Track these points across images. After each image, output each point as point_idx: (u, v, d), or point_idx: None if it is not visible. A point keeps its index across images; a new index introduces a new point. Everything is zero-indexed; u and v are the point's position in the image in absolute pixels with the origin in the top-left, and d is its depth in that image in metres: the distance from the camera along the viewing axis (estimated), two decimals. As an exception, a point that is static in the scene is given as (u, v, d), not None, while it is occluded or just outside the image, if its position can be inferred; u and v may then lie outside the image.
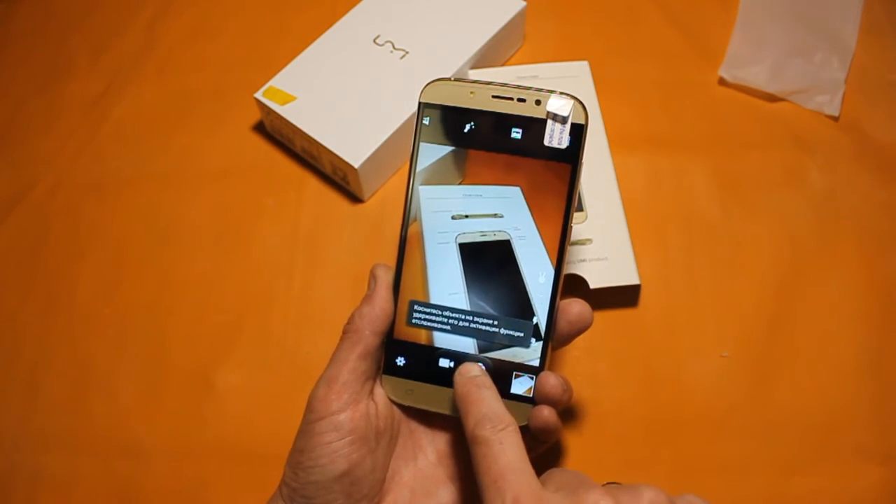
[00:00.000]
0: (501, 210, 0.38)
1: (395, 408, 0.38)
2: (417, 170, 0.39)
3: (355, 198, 0.55)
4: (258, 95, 0.55)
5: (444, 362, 0.38)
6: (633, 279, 0.48)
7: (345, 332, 0.37)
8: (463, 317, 0.38)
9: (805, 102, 0.58)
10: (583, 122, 0.37)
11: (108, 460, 0.46)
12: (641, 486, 0.30)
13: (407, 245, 0.38)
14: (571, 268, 0.48)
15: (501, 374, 0.37)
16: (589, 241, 0.49)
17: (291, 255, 0.53)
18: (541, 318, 0.37)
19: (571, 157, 0.37)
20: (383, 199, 0.55)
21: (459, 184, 0.38)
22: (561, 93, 0.37)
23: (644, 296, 0.50)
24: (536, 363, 0.37)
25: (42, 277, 0.53)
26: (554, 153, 0.37)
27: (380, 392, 0.38)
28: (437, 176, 0.38)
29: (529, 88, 0.38)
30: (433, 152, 0.39)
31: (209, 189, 0.56)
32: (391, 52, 0.56)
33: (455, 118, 0.38)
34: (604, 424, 0.46)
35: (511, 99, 0.38)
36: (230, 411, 0.48)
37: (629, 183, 0.53)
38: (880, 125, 0.57)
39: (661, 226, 0.53)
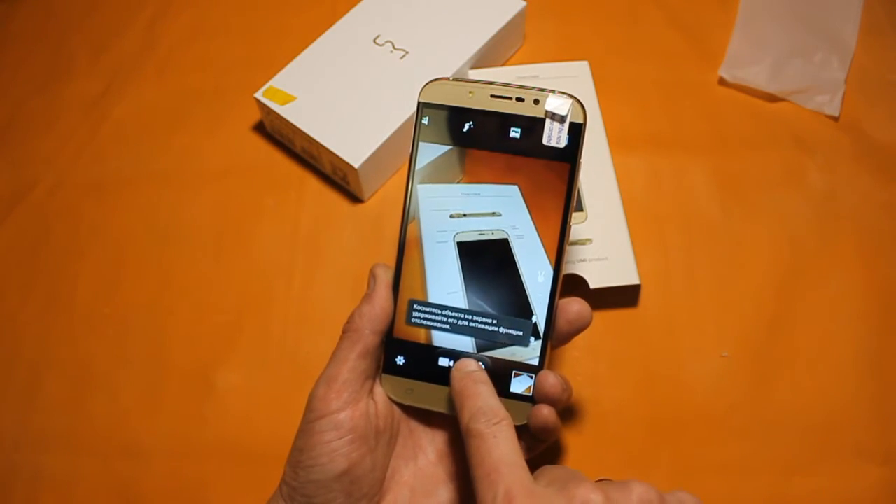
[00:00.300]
0: (500, 209, 0.38)
1: (394, 407, 0.38)
2: (416, 169, 0.39)
3: (355, 198, 0.55)
4: (258, 95, 0.55)
5: (444, 361, 0.38)
6: (633, 279, 0.48)
7: (344, 331, 0.37)
8: (462, 316, 0.38)
9: (805, 102, 0.58)
10: (581, 121, 0.37)
11: (108, 460, 0.46)
12: (632, 481, 0.30)
13: (406, 244, 0.39)
14: (571, 268, 0.48)
15: (501, 373, 0.37)
16: (589, 241, 0.49)
17: (291, 255, 0.53)
18: (540, 317, 0.37)
19: (570, 156, 0.37)
20: (383, 199, 0.55)
21: (458, 183, 0.38)
22: (559, 92, 0.37)
23: (644, 296, 0.50)
24: (536, 362, 0.37)
25: (42, 277, 0.53)
26: (553, 152, 0.37)
27: (379, 391, 0.38)
28: (437, 175, 0.39)
29: (528, 88, 0.38)
30: (432, 152, 0.39)
31: (209, 189, 0.56)
32: (391, 52, 0.56)
33: (454, 118, 0.38)
34: (604, 424, 0.46)
35: (510, 98, 0.38)
36: (230, 411, 0.48)
37: (629, 183, 0.53)
38: (880, 125, 0.57)
39: (661, 226, 0.53)
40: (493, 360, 0.37)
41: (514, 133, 0.38)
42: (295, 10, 0.65)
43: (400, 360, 0.38)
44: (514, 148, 0.38)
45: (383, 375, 0.38)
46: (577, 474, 0.32)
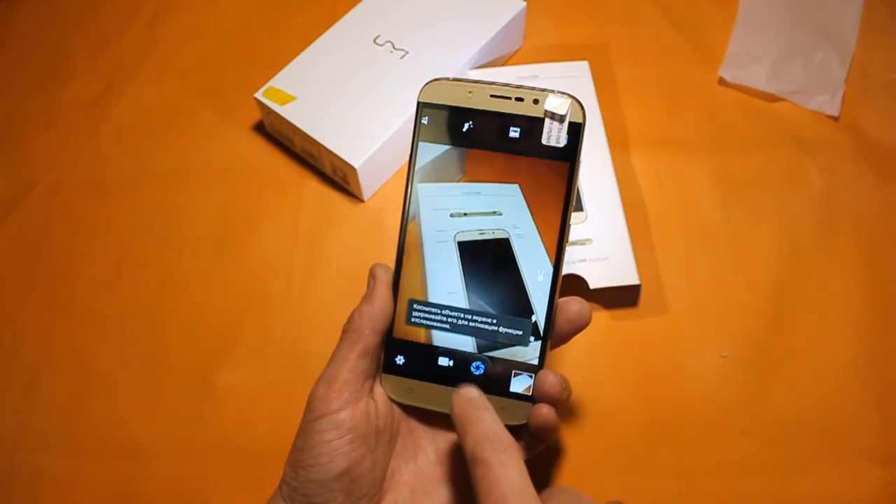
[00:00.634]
0: (500, 208, 0.38)
1: (394, 406, 0.38)
2: (416, 169, 0.39)
3: (355, 198, 0.55)
4: (258, 95, 0.55)
5: (444, 361, 0.38)
6: (633, 279, 0.48)
7: (345, 331, 0.37)
8: (462, 315, 0.38)
9: (805, 102, 0.58)
10: (580, 120, 0.37)
11: (108, 460, 0.46)
12: None
13: (406, 244, 0.39)
14: (571, 268, 0.48)
15: (500, 373, 0.37)
16: (589, 241, 0.49)
17: (291, 255, 0.53)
18: (539, 316, 0.37)
19: (569, 155, 0.37)
20: (383, 199, 0.55)
21: (458, 182, 0.38)
22: (559, 92, 0.37)
23: (644, 296, 0.50)
24: (535, 361, 0.37)
25: (42, 277, 0.53)
26: (552, 152, 0.37)
27: (380, 391, 0.38)
28: (437, 174, 0.39)
29: (528, 88, 0.38)
30: (432, 151, 0.39)
31: (209, 189, 0.56)
32: (391, 52, 0.56)
33: (454, 117, 0.38)
34: (604, 424, 0.46)
35: (509, 98, 0.38)
36: (230, 411, 0.48)
37: (629, 183, 0.53)
38: (880, 125, 0.57)
39: (661, 226, 0.53)
40: (493, 359, 0.37)
41: (514, 133, 0.38)
42: (295, 10, 0.65)
43: (400, 360, 0.38)
44: (513, 147, 0.38)
45: (383, 375, 0.38)
46: (588, 501, 0.31)
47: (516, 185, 0.38)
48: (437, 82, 0.38)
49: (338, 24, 0.58)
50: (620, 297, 0.50)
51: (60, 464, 0.46)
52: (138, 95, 0.61)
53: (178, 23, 0.65)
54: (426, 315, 0.38)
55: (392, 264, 0.39)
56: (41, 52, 0.65)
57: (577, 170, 0.37)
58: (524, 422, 0.37)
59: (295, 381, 0.47)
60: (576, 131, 0.37)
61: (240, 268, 0.53)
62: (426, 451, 0.38)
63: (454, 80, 0.38)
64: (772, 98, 0.58)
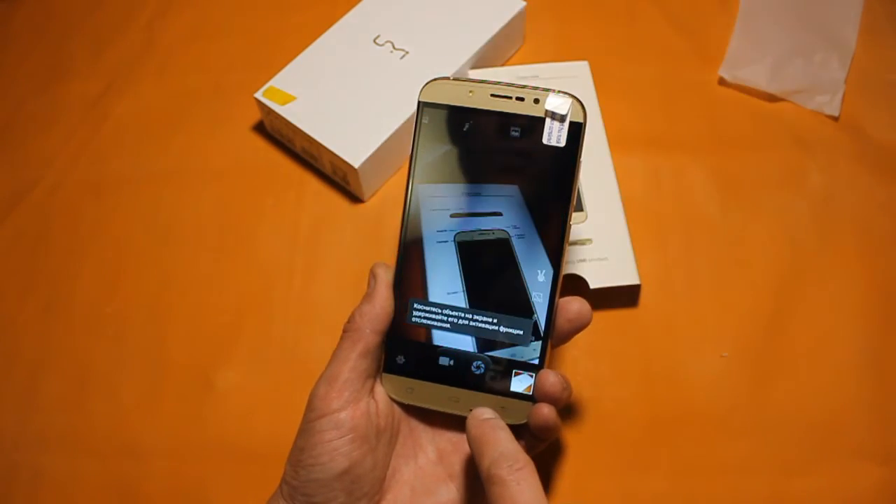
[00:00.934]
0: (500, 208, 0.38)
1: (395, 406, 0.38)
2: (417, 168, 0.39)
3: (355, 198, 0.55)
4: (258, 95, 0.55)
5: (445, 360, 0.38)
6: (633, 279, 0.48)
7: (345, 330, 0.37)
8: (462, 315, 0.38)
9: (805, 102, 0.58)
10: (581, 120, 0.37)
11: (108, 460, 0.46)
12: None
13: (406, 244, 0.39)
14: (571, 268, 0.48)
15: (501, 372, 0.37)
16: (589, 241, 0.49)
17: (291, 255, 0.53)
18: (540, 315, 0.37)
19: (570, 155, 0.37)
20: (383, 199, 0.55)
21: (458, 182, 0.38)
22: (559, 91, 0.37)
23: (644, 296, 0.50)
24: (536, 361, 0.37)
25: (42, 277, 0.53)
26: (552, 151, 0.37)
27: (380, 390, 0.38)
28: (437, 174, 0.39)
29: (528, 87, 0.38)
30: (432, 151, 0.39)
31: (209, 189, 0.56)
32: (391, 52, 0.56)
33: (454, 117, 0.38)
34: (604, 424, 0.46)
35: (510, 98, 0.38)
36: (230, 411, 0.48)
37: (629, 183, 0.53)
38: (880, 125, 0.57)
39: (661, 226, 0.53)
40: (494, 359, 0.37)
41: (515, 132, 0.38)
42: (295, 10, 0.65)
43: (400, 360, 0.38)
44: (514, 147, 0.38)
45: (384, 374, 0.38)
46: None
47: (516, 186, 0.38)
48: (437, 82, 0.38)
49: (338, 24, 0.58)
50: (620, 297, 0.50)
51: (60, 464, 0.46)
52: (138, 95, 0.61)
53: (178, 23, 0.65)
54: (427, 315, 0.38)
55: (392, 264, 0.39)
56: (41, 52, 0.65)
57: (578, 170, 0.37)
58: (525, 421, 0.37)
59: (295, 381, 0.47)
60: (576, 131, 0.37)
61: (240, 268, 0.53)
62: (427, 451, 0.38)
63: (454, 79, 0.38)
64: (772, 98, 0.58)
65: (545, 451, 0.40)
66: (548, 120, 0.37)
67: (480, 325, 0.38)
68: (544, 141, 0.37)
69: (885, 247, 0.52)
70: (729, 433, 0.46)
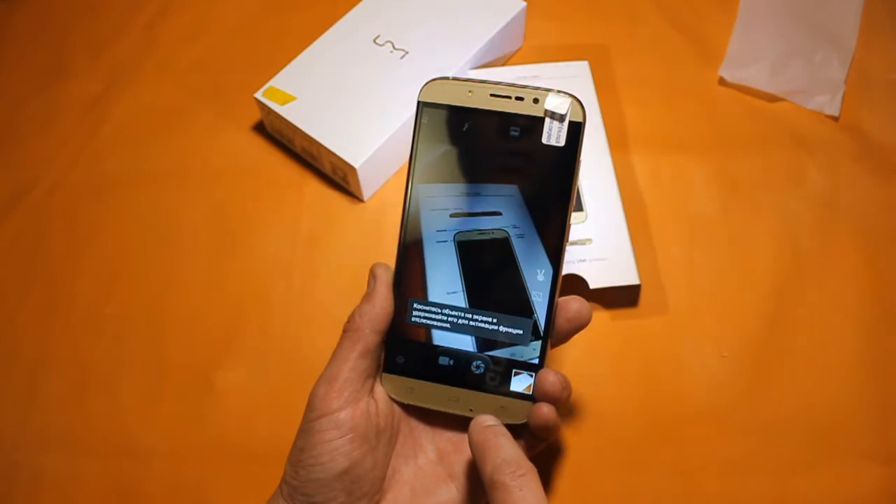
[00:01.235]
0: (500, 208, 0.38)
1: (395, 406, 0.38)
2: (416, 168, 0.39)
3: (355, 198, 0.55)
4: (258, 95, 0.55)
5: (444, 360, 0.38)
6: (633, 279, 0.48)
7: (345, 330, 0.37)
8: (462, 315, 0.38)
9: (805, 102, 0.58)
10: (581, 120, 0.37)
11: (107, 460, 0.46)
12: None
13: (406, 244, 0.38)
14: (571, 268, 0.48)
15: (501, 372, 0.37)
16: (588, 240, 0.49)
17: (291, 254, 0.53)
18: (539, 315, 0.37)
19: (570, 155, 0.37)
20: (383, 199, 0.55)
21: (458, 182, 0.38)
22: (559, 91, 0.37)
23: (644, 296, 0.50)
24: (536, 360, 0.37)
25: (42, 277, 0.53)
26: (552, 151, 0.37)
27: (380, 390, 0.38)
28: (437, 174, 0.38)
29: (527, 87, 0.38)
30: (432, 151, 0.39)
31: (209, 189, 0.56)
32: (391, 52, 0.56)
33: (454, 117, 0.38)
34: (604, 424, 0.46)
35: (509, 97, 0.38)
36: (230, 411, 0.48)
37: (629, 183, 0.53)
38: (880, 125, 0.57)
39: (660, 226, 0.53)
40: (494, 358, 0.37)
41: (514, 132, 0.38)
42: (295, 10, 0.65)
43: (400, 359, 0.38)
44: (513, 147, 0.38)
45: (384, 374, 0.38)
46: None
47: (516, 185, 0.38)
48: (437, 82, 0.38)
49: (338, 24, 0.58)
50: (620, 297, 0.50)
51: (60, 464, 0.46)
52: (138, 96, 0.61)
53: (178, 23, 0.65)
54: (426, 314, 0.38)
55: (392, 264, 0.39)
56: (41, 52, 0.65)
57: (577, 169, 0.37)
58: (524, 421, 0.37)
59: (295, 381, 0.47)
60: (576, 131, 0.37)
61: (240, 268, 0.53)
62: (427, 451, 0.38)
63: (454, 79, 0.38)
64: (772, 98, 0.58)
65: (545, 451, 0.40)
66: (547, 120, 0.37)
67: (480, 324, 0.38)
68: (544, 141, 0.37)
69: (885, 247, 0.52)
70: (729, 433, 0.46)
